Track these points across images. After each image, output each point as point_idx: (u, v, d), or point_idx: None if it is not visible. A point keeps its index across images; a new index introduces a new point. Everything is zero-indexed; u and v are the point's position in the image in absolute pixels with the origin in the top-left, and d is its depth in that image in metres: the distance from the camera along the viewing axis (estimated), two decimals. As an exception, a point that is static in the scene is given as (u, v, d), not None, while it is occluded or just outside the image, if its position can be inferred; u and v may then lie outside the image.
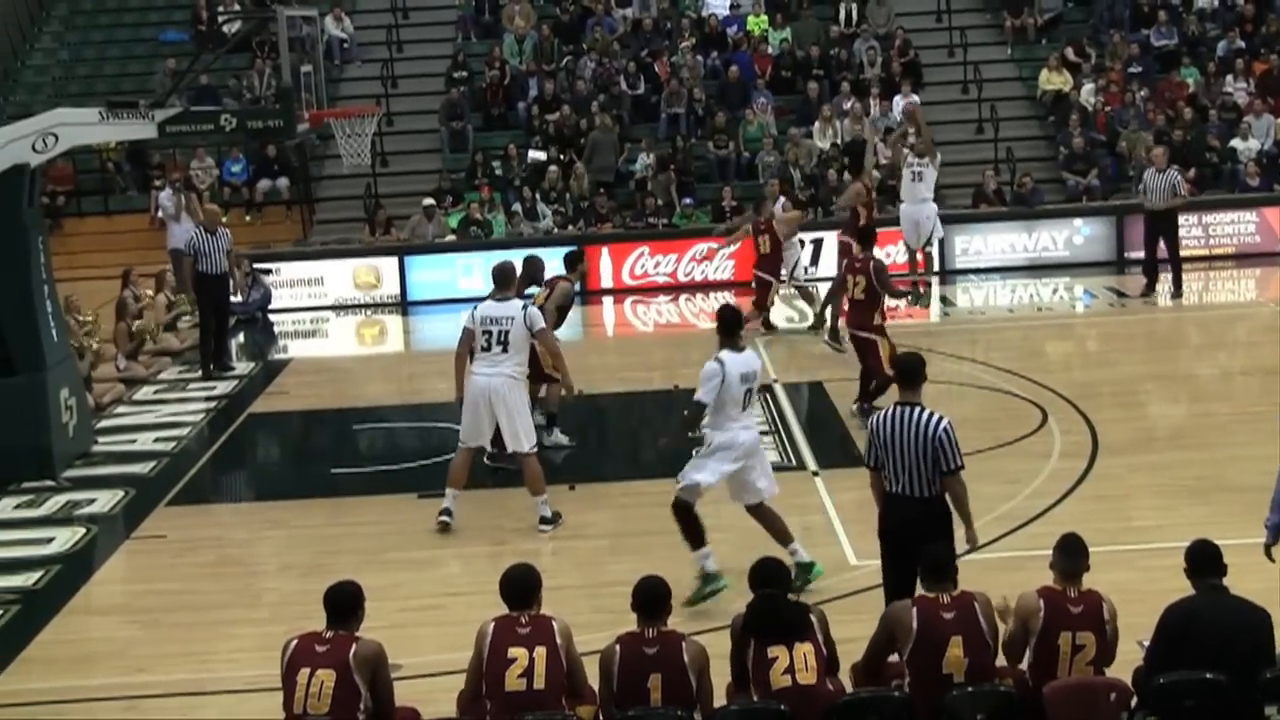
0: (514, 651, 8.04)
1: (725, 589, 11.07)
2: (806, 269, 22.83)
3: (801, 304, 21.48)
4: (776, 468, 14.86)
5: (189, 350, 21.49)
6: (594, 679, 8.18)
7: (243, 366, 21.09)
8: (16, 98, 30.30)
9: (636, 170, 27.28)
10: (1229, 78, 28.29)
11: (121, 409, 18.88)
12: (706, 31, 30.32)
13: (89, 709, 9.99)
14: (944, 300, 23.73)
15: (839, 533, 12.96)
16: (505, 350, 13.29)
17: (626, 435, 17.44)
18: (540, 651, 8.03)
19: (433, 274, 24.83)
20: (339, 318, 24.78)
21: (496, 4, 31.37)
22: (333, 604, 8.24)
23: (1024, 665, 8.20)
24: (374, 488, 15.04)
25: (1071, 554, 8.24)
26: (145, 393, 19.75)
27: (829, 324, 18.76)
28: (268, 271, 24.59)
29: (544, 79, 29.30)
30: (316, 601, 8.36)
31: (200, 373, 20.41)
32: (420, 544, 13.41)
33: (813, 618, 8.17)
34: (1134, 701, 7.85)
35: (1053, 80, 28.65)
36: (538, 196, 26.64)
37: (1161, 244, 21.86)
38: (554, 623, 8.20)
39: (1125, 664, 8.17)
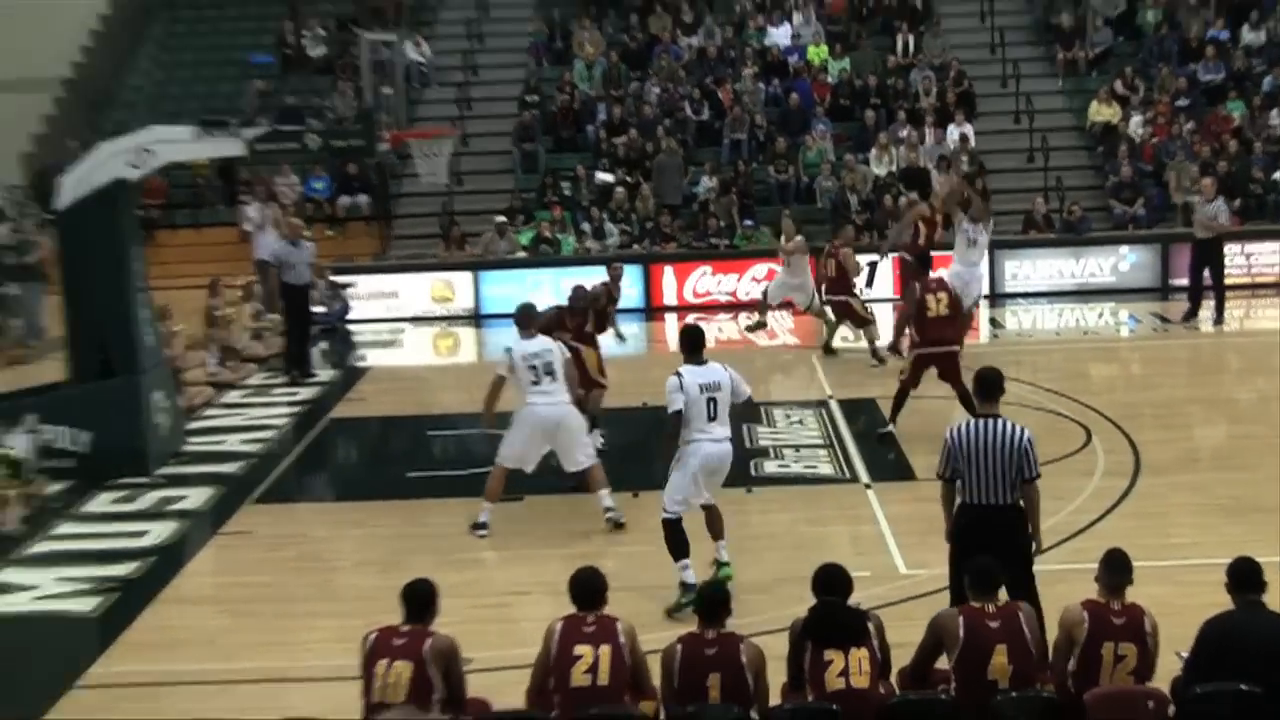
0: (580, 649, 8.12)
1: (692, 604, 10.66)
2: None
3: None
4: (831, 480, 15.07)
5: (274, 357, 21.66)
6: (656, 676, 8.27)
7: (324, 373, 21.20)
8: (115, 116, 30.52)
9: (700, 193, 27.30)
10: (1274, 112, 28.10)
11: (211, 411, 19.05)
12: (768, 60, 30.34)
13: (183, 692, 10.11)
14: (993, 323, 23.68)
15: (890, 542, 12.98)
16: (554, 379, 13.51)
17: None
18: (605, 649, 8.11)
19: (505, 289, 24.78)
20: (415, 329, 24.91)
21: (567, 31, 31.50)
22: (409, 600, 8.35)
23: (1067, 673, 8.23)
24: (447, 491, 15.09)
25: (1116, 569, 8.24)
26: (233, 396, 19.93)
27: (893, 338, 19.51)
28: (347, 285, 24.77)
29: (612, 104, 29.41)
30: (393, 597, 8.47)
31: (285, 379, 20.62)
32: (490, 545, 13.52)
33: (870, 625, 8.15)
34: (1171, 710, 7.84)
35: (1102, 112, 28.56)
36: (605, 216, 26.73)
37: (1207, 272, 21.82)
38: (618, 623, 8.27)
39: (1164, 675, 8.16)
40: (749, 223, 26.50)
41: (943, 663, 8.35)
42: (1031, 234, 25.86)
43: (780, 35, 31.01)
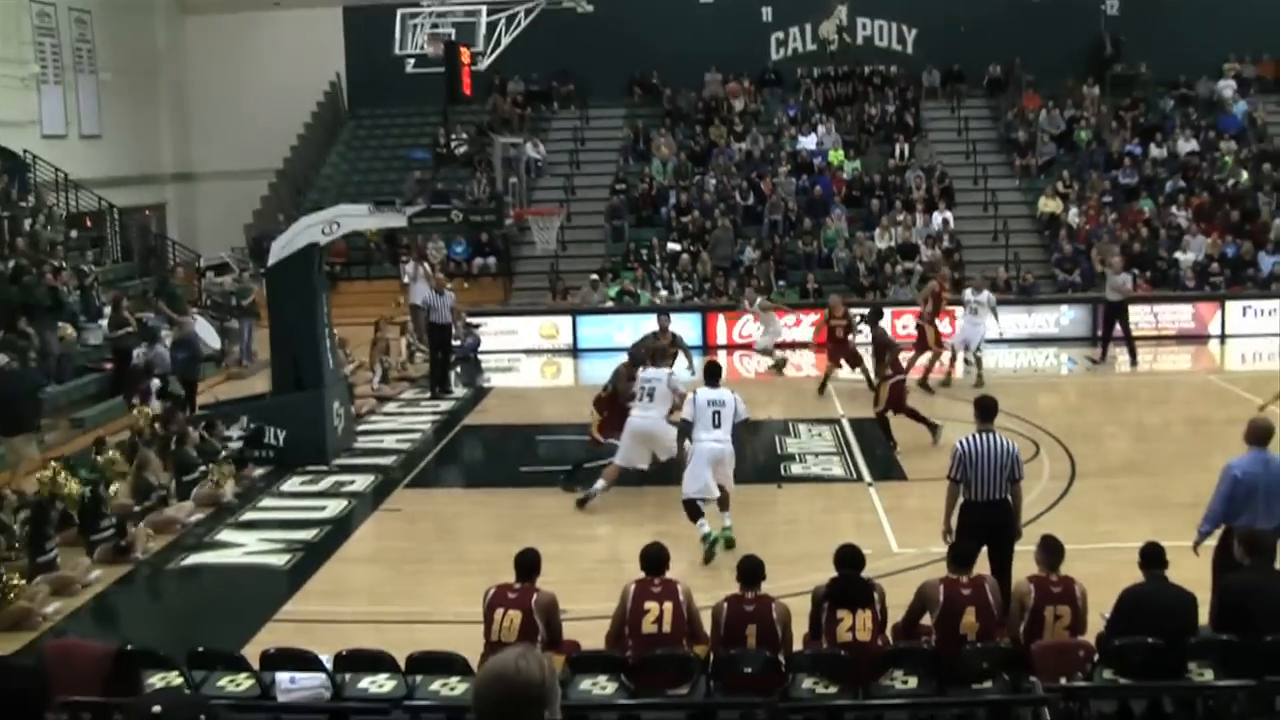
0: (649, 605, 8.08)
1: (718, 540, 11.91)
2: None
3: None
4: (841, 480, 14.90)
5: (422, 378, 21.70)
6: (708, 627, 8.18)
7: (459, 392, 21.17)
8: (311, 196, 30.81)
9: (745, 259, 27.19)
10: (1174, 207, 27.77)
11: (374, 418, 19.09)
12: (798, 161, 30.20)
13: (347, 628, 10.10)
14: (967, 362, 23.35)
15: (885, 528, 12.82)
16: (652, 400, 13.62)
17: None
18: (668, 605, 8.06)
19: (596, 329, 24.86)
20: (528, 359, 24.90)
21: (648, 137, 31.50)
22: (520, 564, 8.33)
23: (1019, 631, 8.10)
24: (550, 482, 15.00)
25: (1052, 550, 8.23)
26: (391, 407, 19.94)
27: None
28: (478, 325, 24.80)
29: (680, 191, 29.37)
30: (507, 561, 8.47)
31: (429, 394, 20.61)
32: (582, 524, 13.47)
33: (875, 594, 8.12)
34: (1096, 658, 7.81)
35: (1048, 204, 28.24)
36: (673, 276, 26.67)
37: (1117, 327, 21.75)
38: (679, 585, 8.22)
39: (1091, 631, 8.11)
40: (782, 283, 26.37)
41: (926, 621, 8.27)
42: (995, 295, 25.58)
43: (808, 142, 30.87)
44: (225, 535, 13.38)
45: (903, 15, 32.82)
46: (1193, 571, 8.74)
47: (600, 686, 7.91)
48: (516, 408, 20.33)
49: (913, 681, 7.90)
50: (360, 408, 18.87)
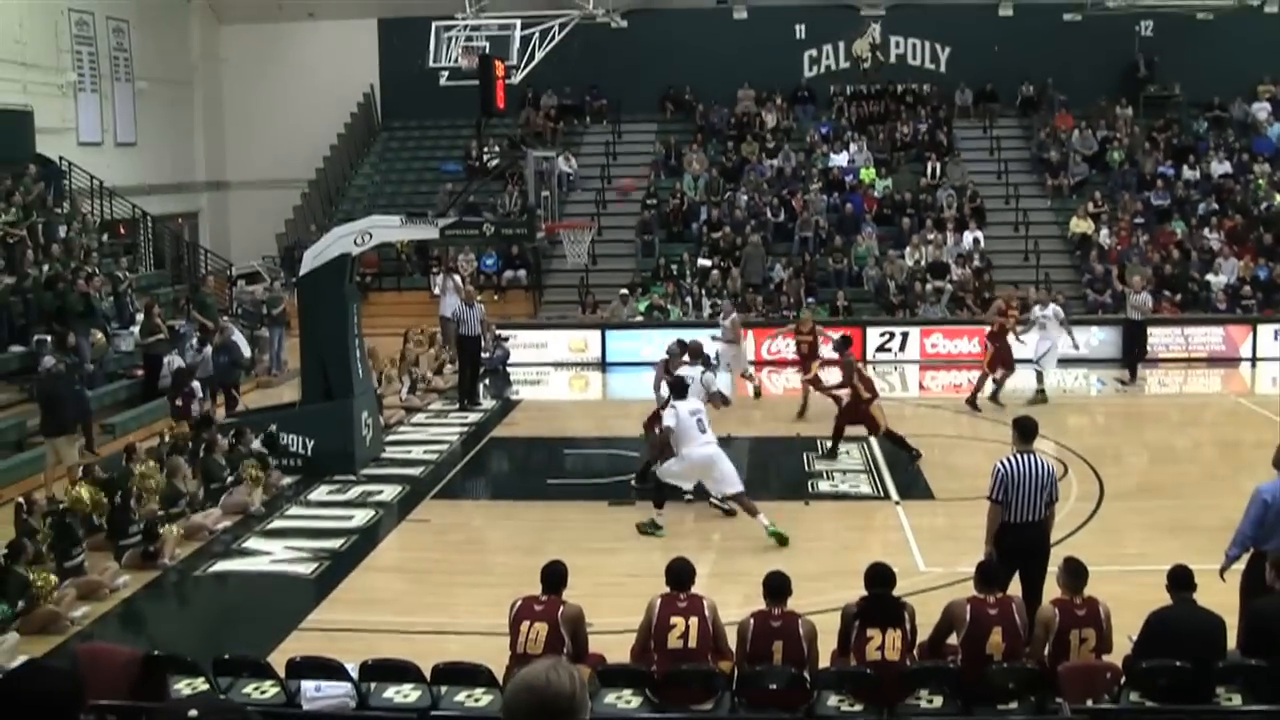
0: (674, 619, 8.06)
1: (663, 535, 13.15)
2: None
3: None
4: (869, 498, 14.85)
5: (450, 389, 21.74)
6: (733, 643, 8.16)
7: (488, 403, 21.20)
8: (344, 208, 31.02)
9: (775, 276, 27.18)
10: (1206, 230, 27.64)
11: (403, 428, 19.13)
12: (830, 178, 30.19)
13: (373, 637, 10.13)
14: (996, 382, 23.24)
15: (912, 547, 12.75)
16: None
17: (758, 467, 17.18)
18: (694, 620, 8.03)
19: (625, 344, 24.85)
20: (556, 372, 24.93)
21: (680, 152, 31.55)
22: (547, 576, 8.32)
23: (1044, 654, 8.05)
24: (578, 495, 15.08)
25: (1075, 574, 8.15)
26: (419, 418, 19.99)
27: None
28: (506, 338, 24.82)
29: (711, 207, 29.39)
30: (534, 573, 8.45)
31: (458, 406, 20.66)
32: (609, 538, 13.45)
33: (905, 613, 8.07)
34: (1123, 680, 7.74)
35: (1080, 225, 28.13)
36: (703, 292, 26.67)
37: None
38: (705, 600, 8.19)
39: (1118, 653, 8.03)
40: (811, 300, 26.32)
41: (952, 640, 8.22)
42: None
43: (840, 160, 30.85)
44: (252, 543, 13.44)
45: (936, 34, 32.80)
46: (1221, 595, 8.67)
47: (625, 701, 7.89)
48: (544, 421, 20.35)
49: (938, 701, 7.86)
50: (389, 418, 18.90)
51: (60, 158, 25.38)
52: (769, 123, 32.27)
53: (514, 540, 13.46)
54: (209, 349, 20.09)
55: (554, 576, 8.29)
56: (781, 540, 12.64)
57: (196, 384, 17.81)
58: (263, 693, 8.00)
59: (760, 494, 15.04)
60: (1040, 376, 20.37)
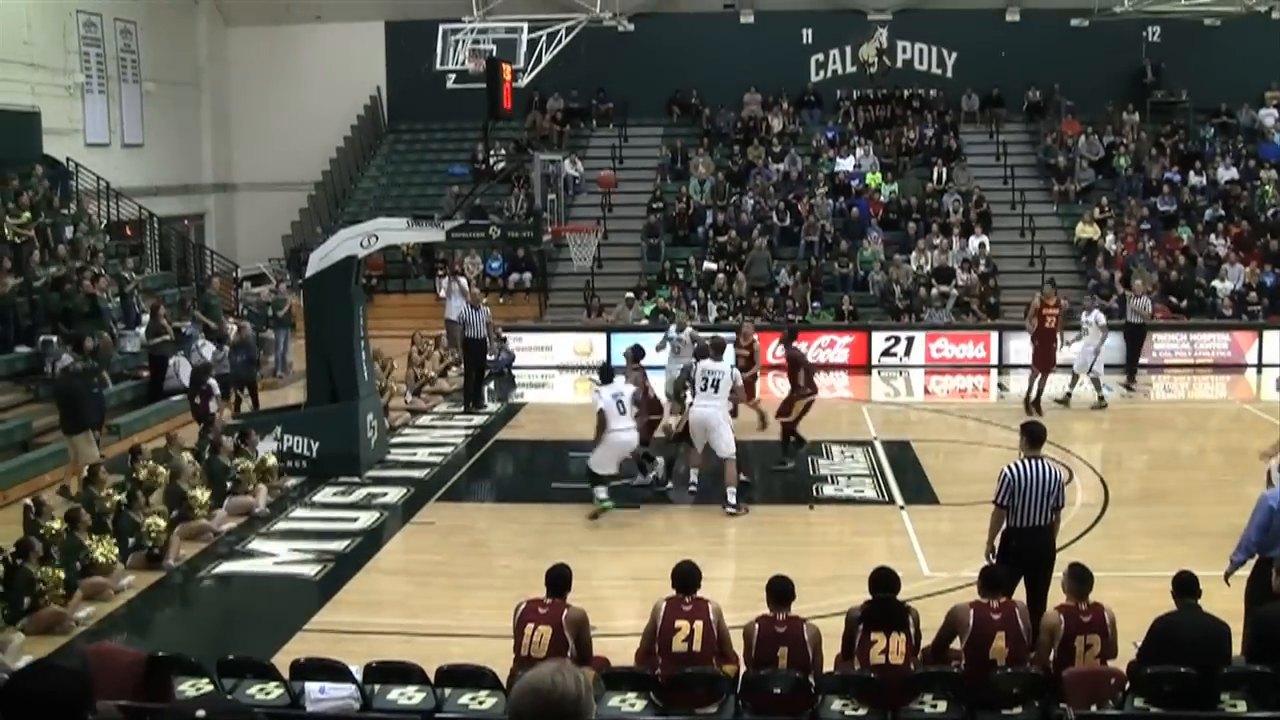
0: (679, 623, 8.06)
1: (611, 508, 14.03)
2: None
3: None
4: (873, 502, 14.86)
5: (455, 392, 21.74)
6: (738, 647, 8.16)
7: (493, 406, 21.20)
8: (349, 209, 31.05)
9: (781, 280, 27.19)
10: (1212, 236, 27.66)
11: (408, 430, 19.13)
12: (836, 183, 30.22)
13: (377, 639, 10.14)
14: (1000, 387, 23.35)
15: (917, 551, 12.75)
16: (716, 391, 14.39)
17: (763, 471, 17.15)
18: (699, 624, 8.03)
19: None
20: (561, 375, 24.93)
21: (686, 156, 31.57)
22: (551, 579, 8.33)
23: (1049, 660, 8.05)
24: (582, 499, 14.95)
25: (1080, 579, 8.15)
26: (424, 420, 19.99)
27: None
28: (504, 339, 24.76)
29: (717, 211, 29.42)
30: (539, 576, 8.46)
31: (463, 408, 20.66)
32: (614, 540, 13.47)
33: (910, 617, 8.07)
34: (1127, 686, 7.74)
35: (1085, 230, 28.14)
36: (709, 296, 26.69)
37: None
38: (709, 603, 8.19)
39: (1122, 659, 8.04)
40: (817, 304, 26.35)
41: (956, 645, 8.23)
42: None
43: (846, 164, 30.88)
44: (257, 544, 13.45)
45: (943, 39, 32.83)
46: (1225, 601, 8.67)
47: (629, 704, 7.90)
48: (549, 423, 20.33)
49: (942, 706, 7.85)
50: (394, 420, 18.92)
51: (67, 159, 25.43)
52: (775, 127, 32.29)
53: (518, 543, 13.46)
54: (226, 348, 20.17)
55: (558, 579, 8.30)
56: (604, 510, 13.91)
57: (213, 382, 17.86)
58: (267, 694, 8.01)
59: (765, 498, 15.13)
60: (1097, 383, 20.26)
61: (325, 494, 15.37)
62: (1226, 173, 29.54)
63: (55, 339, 18.67)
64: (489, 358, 22.39)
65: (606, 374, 15.39)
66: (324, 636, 10.39)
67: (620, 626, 9.36)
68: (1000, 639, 7.90)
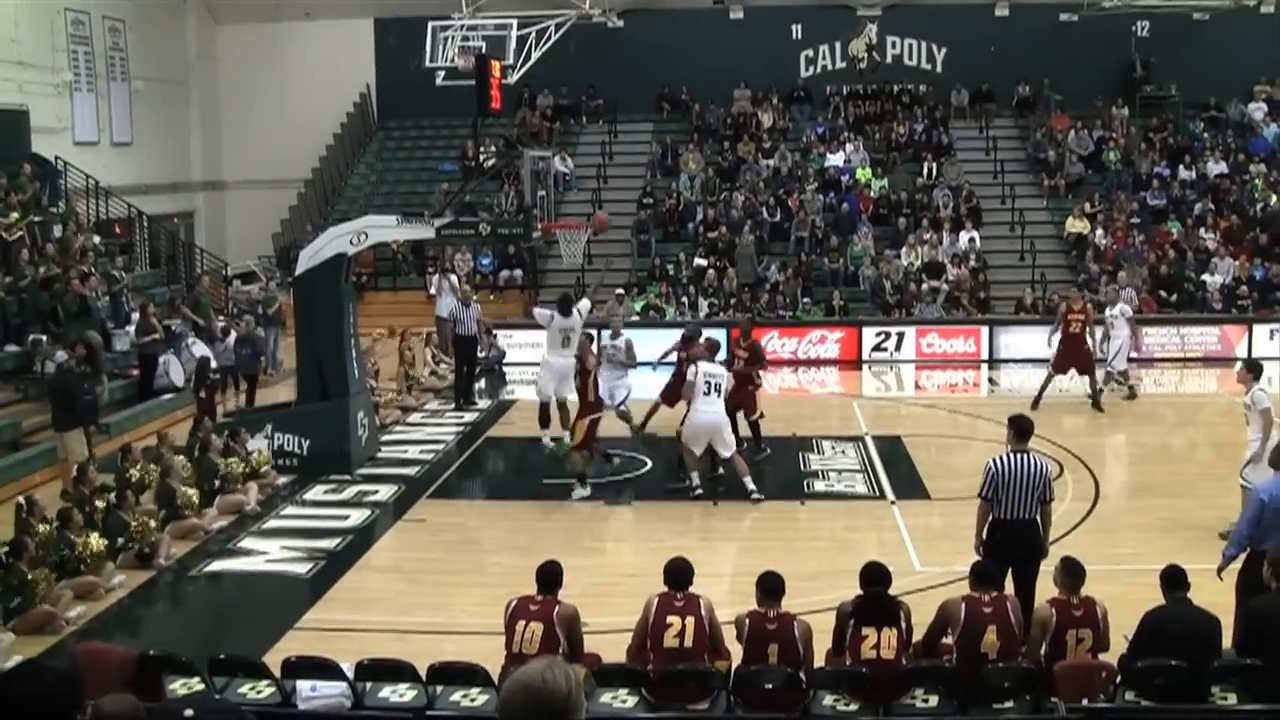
0: (671, 619, 8.06)
1: (558, 449, 15.33)
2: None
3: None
4: (864, 497, 14.87)
5: (446, 389, 21.70)
6: (729, 641, 8.16)
7: (483, 403, 21.18)
8: (339, 207, 30.99)
9: (771, 276, 27.20)
10: (1202, 230, 27.71)
11: (398, 428, 19.09)
12: (826, 178, 30.22)
13: (369, 637, 10.12)
14: (991, 381, 23.40)
15: (908, 546, 12.76)
16: (718, 396, 14.37)
17: (754, 465, 17.14)
18: (690, 620, 8.03)
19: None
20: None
21: (676, 152, 31.58)
22: (542, 576, 8.32)
23: (1040, 654, 8.06)
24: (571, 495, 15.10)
25: (1073, 573, 8.16)
26: (415, 418, 19.95)
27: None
28: (495, 336, 24.72)
29: (707, 207, 29.41)
30: (530, 573, 8.44)
31: (454, 406, 20.63)
32: (605, 537, 13.50)
33: (901, 612, 8.08)
34: (1119, 679, 7.76)
35: (1075, 225, 28.20)
36: (699, 292, 26.69)
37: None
38: (701, 599, 8.19)
39: (1113, 652, 8.05)
40: (807, 300, 26.35)
41: (948, 640, 8.22)
42: (1021, 315, 25.53)
43: (836, 159, 30.89)
44: (248, 542, 13.43)
45: (932, 34, 32.85)
46: (1215, 594, 8.69)
47: (621, 700, 7.89)
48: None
49: (934, 700, 7.86)
50: (385, 418, 18.88)
51: (56, 157, 25.33)
52: (765, 123, 32.30)
53: (509, 540, 13.45)
54: (231, 339, 20.20)
55: (549, 576, 8.29)
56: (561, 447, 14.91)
57: (216, 376, 17.90)
58: (258, 692, 8.00)
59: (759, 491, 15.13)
60: (1125, 375, 20.26)
61: (316, 492, 15.34)
62: (1216, 167, 29.61)
63: (45, 338, 18.61)
64: (480, 355, 22.35)
65: (565, 306, 16.28)
66: (315, 634, 10.37)
67: (612, 623, 9.34)
68: (992, 633, 7.91)
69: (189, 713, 3.26)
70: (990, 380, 23.47)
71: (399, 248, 28.64)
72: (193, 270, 28.90)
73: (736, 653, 8.11)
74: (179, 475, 14.23)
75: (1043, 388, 19.61)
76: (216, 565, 12.79)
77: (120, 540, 12.54)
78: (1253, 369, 13.13)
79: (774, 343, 24.36)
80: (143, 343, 19.77)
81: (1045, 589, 8.91)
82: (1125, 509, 14.09)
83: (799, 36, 33.13)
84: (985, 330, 24.55)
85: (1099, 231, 27.86)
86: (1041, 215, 29.35)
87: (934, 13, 32.45)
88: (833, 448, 17.26)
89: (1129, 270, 25.43)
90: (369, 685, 7.98)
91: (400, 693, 7.96)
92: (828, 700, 7.84)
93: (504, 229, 19.00)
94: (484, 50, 25.47)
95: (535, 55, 28.72)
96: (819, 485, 15.42)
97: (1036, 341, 24.29)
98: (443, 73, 28.30)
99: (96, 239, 24.06)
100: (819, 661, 8.14)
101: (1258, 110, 30.99)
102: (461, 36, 27.76)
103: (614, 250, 29.03)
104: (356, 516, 14.28)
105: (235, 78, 33.73)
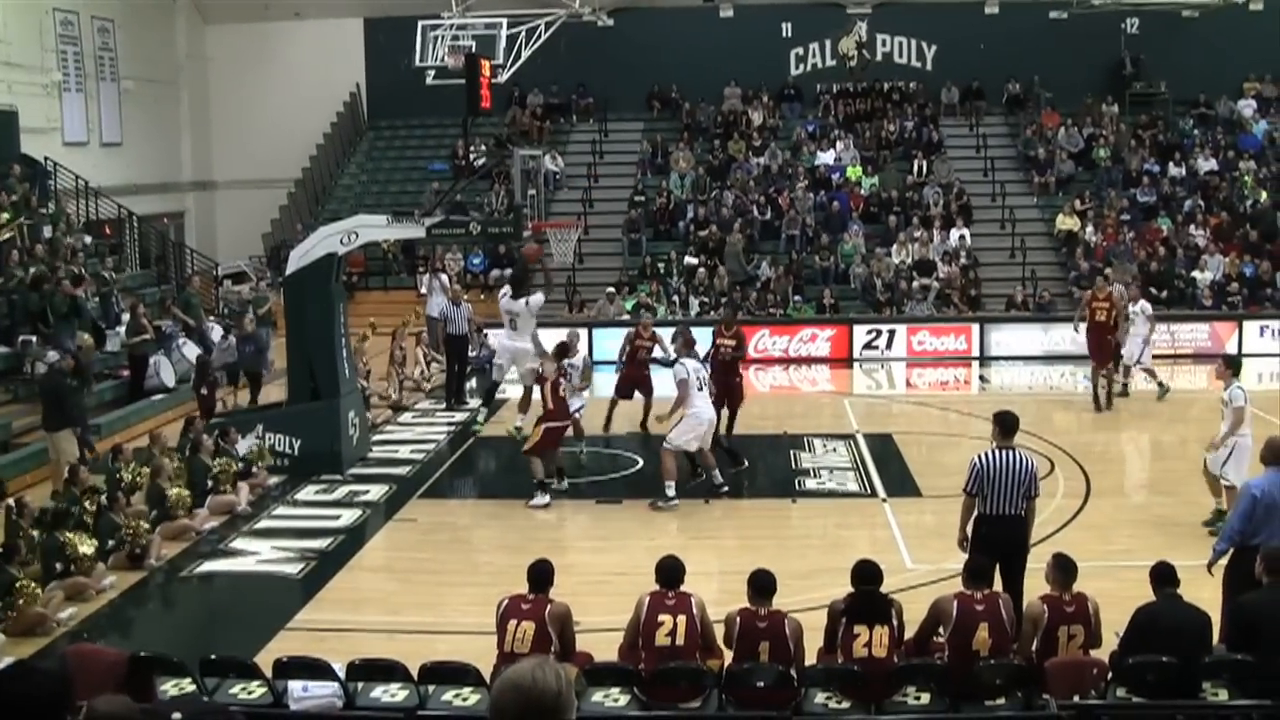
0: (663, 617, 8.06)
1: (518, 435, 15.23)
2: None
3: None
4: (856, 495, 14.89)
5: (437, 389, 21.71)
6: (720, 634, 8.16)
7: (474, 403, 21.05)
8: (330, 207, 30.98)
9: (762, 274, 27.21)
10: (1192, 226, 27.78)
11: (389, 428, 19.10)
12: (817, 176, 30.24)
13: (361, 637, 10.13)
14: (982, 379, 23.44)
15: (900, 544, 12.78)
16: (707, 390, 14.56)
17: (749, 464, 17.16)
18: (682, 619, 8.04)
19: (612, 342, 24.61)
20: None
21: (667, 151, 31.58)
22: (533, 575, 8.32)
23: (1032, 651, 8.08)
24: (564, 494, 15.06)
25: (1065, 569, 8.18)
26: (406, 417, 19.96)
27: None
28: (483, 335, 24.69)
29: (698, 205, 29.41)
30: (521, 572, 8.45)
31: (445, 405, 20.62)
32: (596, 535, 13.50)
33: (893, 610, 8.09)
34: (1110, 676, 7.78)
35: (1065, 222, 28.25)
36: (690, 290, 26.69)
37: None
38: (693, 598, 8.19)
39: (1105, 648, 8.08)
40: (798, 298, 26.37)
41: (940, 637, 8.25)
42: (1012, 312, 25.58)
43: (826, 158, 30.91)
44: (239, 543, 13.41)
45: (922, 32, 32.90)
46: (1205, 590, 8.72)
47: (613, 699, 7.89)
48: (531, 420, 20.25)
49: (925, 697, 7.87)
50: (376, 417, 18.89)
51: (45, 158, 25.28)
52: (755, 121, 32.32)
53: (501, 539, 13.47)
54: (233, 338, 20.19)
55: (540, 575, 8.29)
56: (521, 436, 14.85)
57: (221, 372, 17.92)
58: (250, 693, 7.99)
59: (748, 491, 15.14)
60: (1151, 373, 20.27)
61: (307, 492, 15.32)
62: (1206, 164, 29.69)
63: (35, 339, 18.57)
64: (470, 354, 22.34)
65: (517, 287, 17.02)
66: (307, 635, 10.36)
67: (603, 622, 9.35)
68: (983, 630, 7.92)
69: (176, 716, 3.26)
70: (981, 378, 23.52)
71: (389, 247, 28.62)
72: (183, 270, 28.83)
73: (727, 652, 8.12)
74: (169, 476, 14.20)
75: (1095, 386, 19.48)
76: (208, 566, 12.77)
77: (111, 541, 12.52)
78: (1231, 365, 13.21)
79: (765, 341, 24.42)
80: (133, 343, 19.73)
81: (1033, 585, 8.94)
82: (1116, 506, 14.12)
83: (789, 34, 33.17)
84: (976, 328, 24.63)
85: (1089, 228, 27.92)
86: (1032, 212, 29.40)
87: (924, 10, 32.49)
88: (824, 446, 17.28)
89: (1118, 267, 25.48)
90: (361, 685, 7.97)
91: (392, 693, 7.95)
92: (819, 698, 7.84)
93: (494, 228, 18.98)
94: (474, 49, 25.42)
95: (525, 54, 28.72)
96: (810, 483, 15.43)
97: (1027, 339, 24.52)
98: (432, 72, 28.29)
99: (87, 239, 24.02)
100: (810, 659, 8.15)
101: (1247, 107, 31.08)
102: (451, 35, 27.78)
103: (605, 249, 29.10)
104: (348, 516, 14.26)
105: (225, 77, 33.67)
